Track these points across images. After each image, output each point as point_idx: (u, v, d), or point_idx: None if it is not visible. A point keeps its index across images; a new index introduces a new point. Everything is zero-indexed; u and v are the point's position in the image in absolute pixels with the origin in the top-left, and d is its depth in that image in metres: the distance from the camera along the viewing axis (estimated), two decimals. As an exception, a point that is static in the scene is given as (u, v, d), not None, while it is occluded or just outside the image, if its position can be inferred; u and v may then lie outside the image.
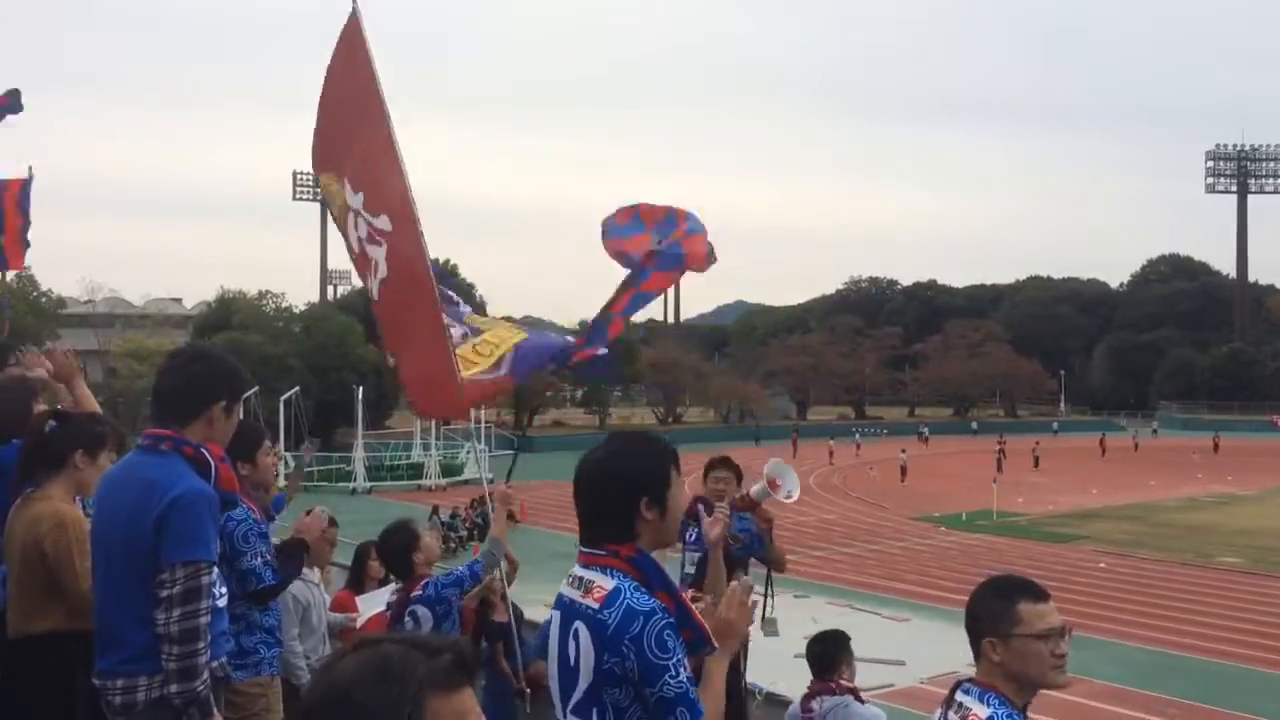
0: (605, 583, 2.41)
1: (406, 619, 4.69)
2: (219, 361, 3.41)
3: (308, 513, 4.75)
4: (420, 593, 4.79)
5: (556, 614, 2.54)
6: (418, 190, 5.09)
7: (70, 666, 3.33)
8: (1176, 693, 14.73)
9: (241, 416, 3.52)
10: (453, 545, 25.62)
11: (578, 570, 2.51)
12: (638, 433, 2.93)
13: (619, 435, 2.71)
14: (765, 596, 6.08)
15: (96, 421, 3.95)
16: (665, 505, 2.51)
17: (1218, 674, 15.93)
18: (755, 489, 5.59)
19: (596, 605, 2.39)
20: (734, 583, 2.66)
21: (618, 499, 2.49)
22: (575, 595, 2.47)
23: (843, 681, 5.33)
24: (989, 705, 2.57)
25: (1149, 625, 18.85)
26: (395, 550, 5.07)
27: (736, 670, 5.14)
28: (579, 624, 2.42)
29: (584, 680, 2.39)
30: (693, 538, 5.78)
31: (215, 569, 3.17)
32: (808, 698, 5.31)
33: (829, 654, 5.43)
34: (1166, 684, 15.13)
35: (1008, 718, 2.56)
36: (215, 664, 3.27)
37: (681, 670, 2.32)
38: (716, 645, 2.45)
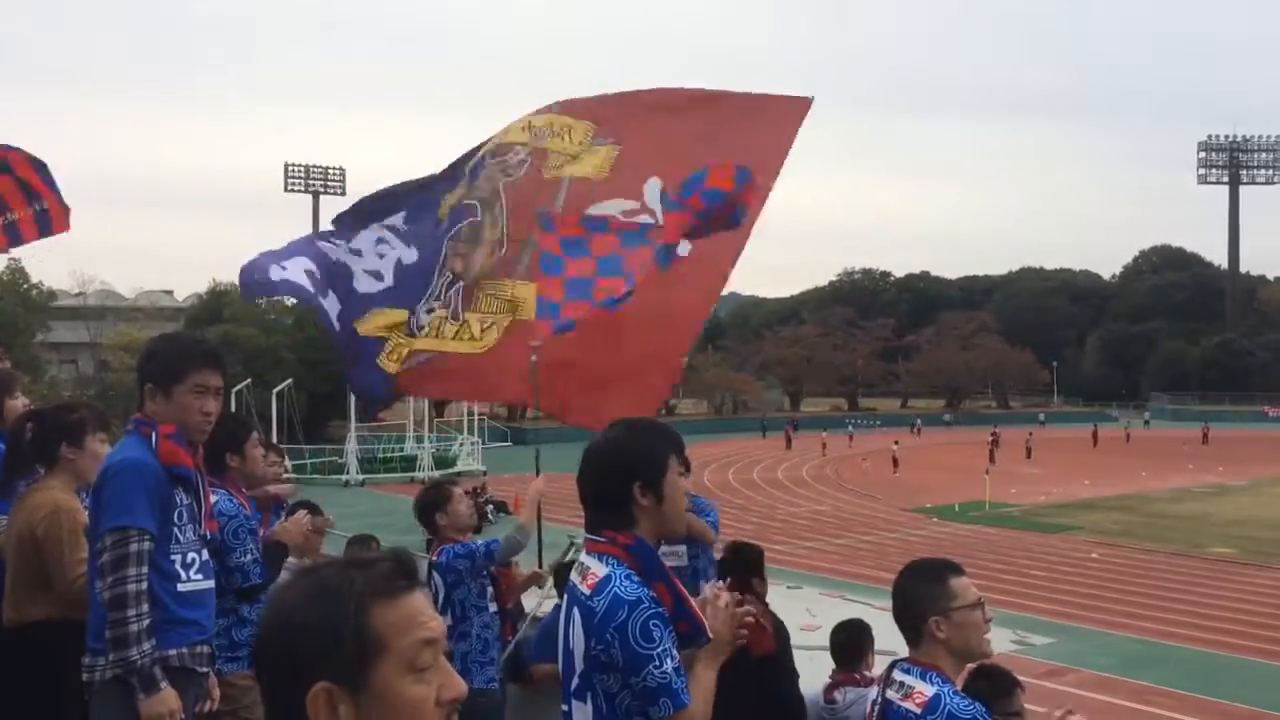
0: (598, 570, 2.41)
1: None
2: (152, 344, 3.53)
3: (289, 514, 4.73)
4: (435, 558, 4.93)
5: (565, 599, 2.55)
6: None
7: (59, 655, 3.33)
8: (1167, 682, 14.76)
9: (233, 409, 3.55)
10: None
11: (582, 556, 2.52)
12: (641, 419, 2.87)
13: (622, 421, 2.66)
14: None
15: (70, 410, 4.00)
16: (661, 492, 2.47)
17: (1209, 664, 15.98)
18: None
19: (588, 592, 2.39)
20: (714, 591, 2.56)
21: (612, 483, 2.47)
22: (576, 581, 2.47)
23: (866, 673, 4.98)
24: (933, 683, 2.64)
25: (1140, 615, 18.91)
26: (423, 507, 5.20)
27: (792, 675, 4.92)
28: (575, 610, 2.42)
29: (579, 666, 2.40)
30: None
31: (147, 538, 3.12)
32: (831, 688, 4.98)
33: (856, 643, 5.07)
34: (1157, 674, 15.17)
35: (954, 694, 2.63)
36: (185, 651, 3.23)
37: (667, 660, 2.30)
38: (711, 636, 2.43)
